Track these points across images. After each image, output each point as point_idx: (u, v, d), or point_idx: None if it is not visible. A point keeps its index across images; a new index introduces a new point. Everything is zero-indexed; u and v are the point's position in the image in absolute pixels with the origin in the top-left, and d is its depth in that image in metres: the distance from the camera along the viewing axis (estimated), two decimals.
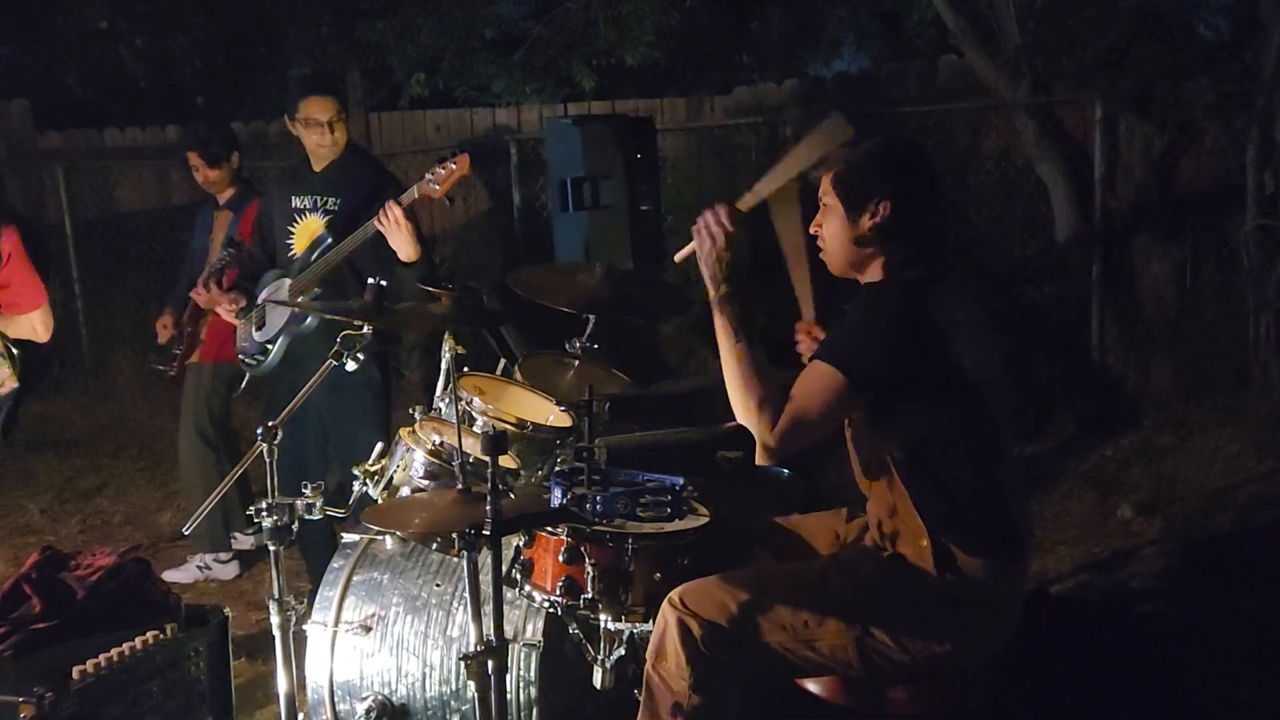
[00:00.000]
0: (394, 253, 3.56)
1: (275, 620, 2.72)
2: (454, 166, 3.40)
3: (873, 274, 2.45)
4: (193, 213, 5.13)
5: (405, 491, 2.85)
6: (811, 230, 2.52)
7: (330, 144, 3.79)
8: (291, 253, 3.86)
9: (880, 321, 2.36)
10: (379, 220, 3.50)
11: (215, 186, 4.87)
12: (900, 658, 2.32)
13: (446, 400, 3.02)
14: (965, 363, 2.33)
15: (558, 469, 2.68)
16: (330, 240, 3.70)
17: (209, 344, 4.80)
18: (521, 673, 2.69)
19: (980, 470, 2.37)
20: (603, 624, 2.47)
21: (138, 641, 2.79)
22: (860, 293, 2.46)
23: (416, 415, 2.98)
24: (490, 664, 2.20)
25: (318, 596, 2.97)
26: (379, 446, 2.98)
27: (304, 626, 2.90)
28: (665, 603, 2.35)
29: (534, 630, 2.72)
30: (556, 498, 2.45)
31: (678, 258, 2.58)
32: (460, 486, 2.54)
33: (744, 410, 2.34)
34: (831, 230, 2.46)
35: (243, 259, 4.24)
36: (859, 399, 2.32)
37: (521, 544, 2.55)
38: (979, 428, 2.38)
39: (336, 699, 2.89)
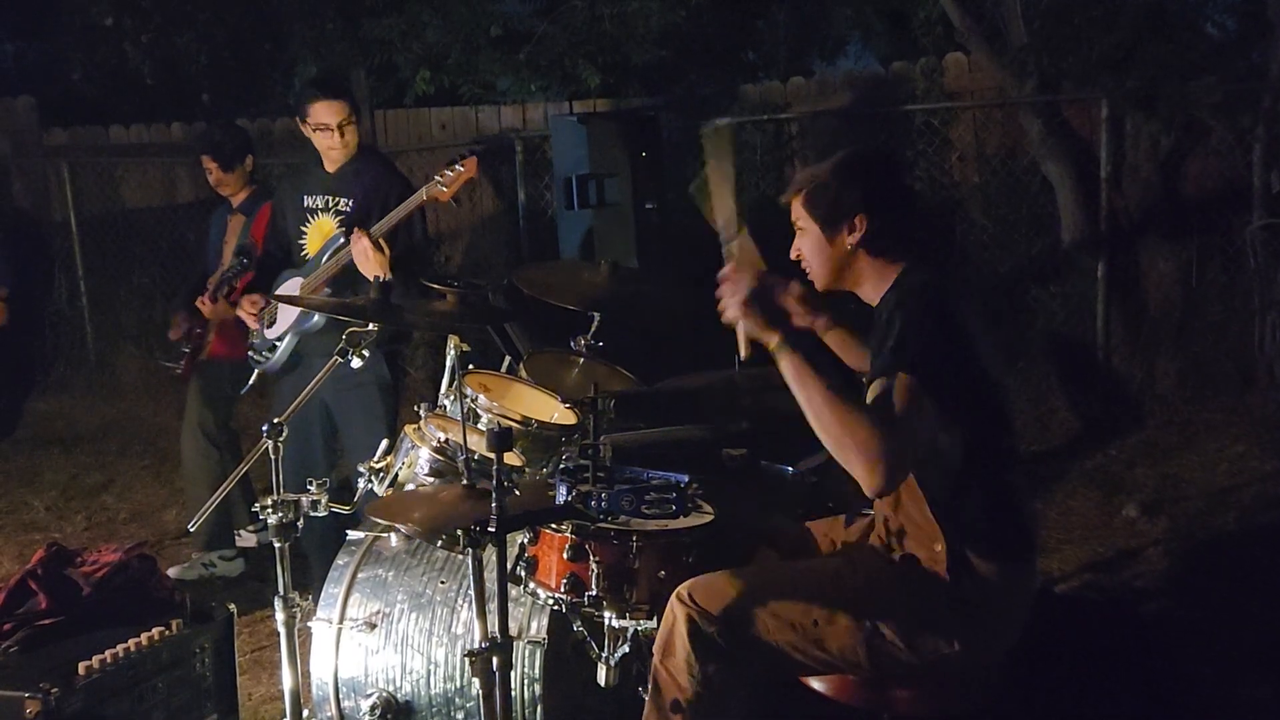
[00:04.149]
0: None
1: (280, 617, 2.73)
2: (461, 169, 3.43)
3: (874, 286, 2.43)
4: (198, 210, 5.15)
5: (410, 488, 2.85)
6: (793, 256, 2.49)
7: (341, 146, 3.81)
8: (305, 252, 3.89)
9: (919, 319, 2.26)
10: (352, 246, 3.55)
11: (229, 189, 4.89)
12: (909, 659, 2.31)
13: (451, 397, 3.02)
14: (988, 363, 2.32)
15: (562, 466, 2.68)
16: (343, 241, 3.72)
17: (217, 343, 4.82)
18: (526, 670, 2.69)
19: (997, 474, 2.36)
20: (607, 621, 2.47)
21: (143, 638, 2.80)
22: (882, 304, 2.39)
23: (421, 412, 2.98)
24: (495, 661, 2.20)
25: (323, 593, 2.98)
26: (384, 443, 2.99)
27: (309, 623, 2.91)
28: (673, 597, 2.34)
29: (538, 627, 2.72)
30: (561, 495, 2.45)
31: (743, 354, 2.42)
32: (465, 483, 2.55)
33: (848, 448, 2.14)
34: (810, 249, 2.46)
35: (258, 263, 4.27)
36: (929, 397, 2.18)
37: (526, 541, 2.55)
38: (998, 430, 2.37)
39: (341, 696, 2.89)
